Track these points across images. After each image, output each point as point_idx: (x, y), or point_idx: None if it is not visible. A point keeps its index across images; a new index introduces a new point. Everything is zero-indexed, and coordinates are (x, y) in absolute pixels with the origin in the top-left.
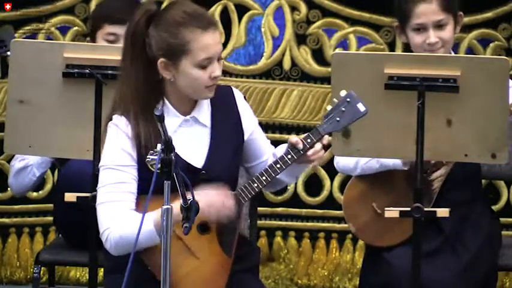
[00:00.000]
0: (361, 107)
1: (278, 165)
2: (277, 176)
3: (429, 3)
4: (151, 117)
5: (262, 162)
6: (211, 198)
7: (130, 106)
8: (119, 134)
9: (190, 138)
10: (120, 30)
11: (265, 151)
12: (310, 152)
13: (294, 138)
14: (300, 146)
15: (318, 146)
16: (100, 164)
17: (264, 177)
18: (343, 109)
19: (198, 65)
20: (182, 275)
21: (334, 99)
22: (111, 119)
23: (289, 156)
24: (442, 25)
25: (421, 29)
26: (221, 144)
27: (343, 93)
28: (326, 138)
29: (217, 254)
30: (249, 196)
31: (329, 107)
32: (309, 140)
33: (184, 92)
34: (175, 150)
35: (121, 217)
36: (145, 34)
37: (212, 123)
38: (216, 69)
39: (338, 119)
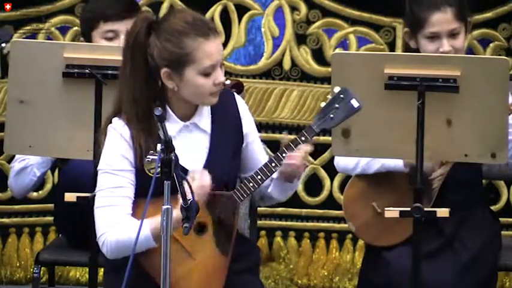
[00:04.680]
0: (354, 103)
1: (273, 164)
2: (268, 191)
3: (444, 13)
4: (151, 122)
5: None
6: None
7: (131, 111)
8: (117, 137)
9: (190, 144)
10: (118, 26)
11: (260, 163)
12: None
13: (285, 140)
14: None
15: (305, 148)
16: (98, 168)
17: (259, 177)
18: (337, 105)
19: (202, 72)
20: (179, 277)
21: (328, 96)
22: (111, 122)
23: (284, 155)
24: (456, 34)
25: (435, 37)
26: (220, 150)
27: (336, 89)
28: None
29: (213, 254)
30: (245, 196)
31: (323, 104)
32: (303, 138)
33: (188, 100)
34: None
35: (117, 222)
36: (146, 44)
37: (212, 129)
38: (219, 76)
39: (332, 115)
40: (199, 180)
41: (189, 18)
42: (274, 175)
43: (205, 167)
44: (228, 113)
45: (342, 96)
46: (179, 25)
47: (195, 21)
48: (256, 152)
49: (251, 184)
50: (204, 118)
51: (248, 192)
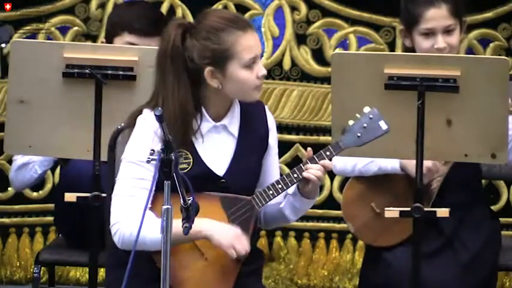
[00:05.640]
0: (383, 125)
1: (295, 175)
2: (280, 206)
3: (439, 8)
4: (184, 122)
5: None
6: (226, 231)
7: (171, 112)
8: (149, 130)
9: (216, 145)
10: (140, 41)
11: (272, 179)
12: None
13: (311, 152)
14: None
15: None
16: (123, 156)
17: (279, 185)
18: (365, 125)
19: (244, 66)
20: (189, 275)
21: (357, 115)
22: (141, 112)
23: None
24: (450, 30)
25: (430, 33)
26: (245, 155)
27: (366, 109)
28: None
29: (226, 256)
30: (263, 202)
31: (351, 122)
32: (328, 153)
33: (233, 97)
34: (200, 155)
35: (134, 214)
36: (184, 48)
37: (239, 134)
38: (261, 68)
39: (359, 134)
40: (240, 238)
41: (225, 14)
42: (290, 191)
43: (228, 171)
44: (256, 122)
45: (370, 116)
46: (216, 22)
47: (231, 16)
48: (272, 167)
49: (271, 192)
50: (234, 121)
51: (267, 199)
